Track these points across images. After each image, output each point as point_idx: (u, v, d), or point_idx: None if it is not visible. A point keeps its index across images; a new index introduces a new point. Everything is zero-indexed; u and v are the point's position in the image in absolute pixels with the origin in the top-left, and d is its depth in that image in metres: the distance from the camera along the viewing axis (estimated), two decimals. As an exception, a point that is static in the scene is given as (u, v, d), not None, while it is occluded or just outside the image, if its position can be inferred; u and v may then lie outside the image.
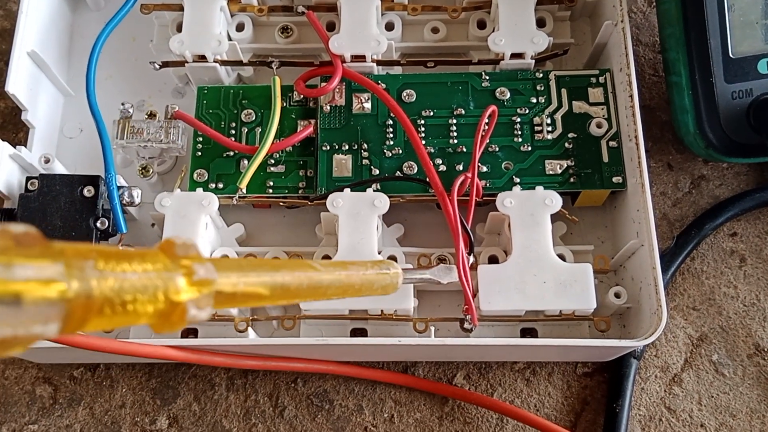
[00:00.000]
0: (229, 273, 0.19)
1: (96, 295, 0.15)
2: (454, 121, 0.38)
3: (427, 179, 0.36)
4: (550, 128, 0.38)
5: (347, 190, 0.36)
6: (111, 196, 0.36)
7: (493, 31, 0.40)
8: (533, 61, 0.39)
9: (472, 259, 0.35)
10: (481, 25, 0.41)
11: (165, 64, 0.40)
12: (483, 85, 0.39)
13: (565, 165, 0.37)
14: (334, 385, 0.38)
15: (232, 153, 0.39)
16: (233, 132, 0.39)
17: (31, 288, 0.13)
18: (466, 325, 0.34)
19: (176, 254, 0.18)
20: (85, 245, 0.16)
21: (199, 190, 0.37)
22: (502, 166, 0.38)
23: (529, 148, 0.38)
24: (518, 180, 0.37)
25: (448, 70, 0.41)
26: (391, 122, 0.38)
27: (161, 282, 0.17)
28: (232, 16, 0.41)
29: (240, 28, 0.42)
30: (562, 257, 0.35)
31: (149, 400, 0.38)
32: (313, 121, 0.39)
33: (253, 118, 0.39)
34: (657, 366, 0.38)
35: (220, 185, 0.38)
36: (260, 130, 0.39)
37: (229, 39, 0.41)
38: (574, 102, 0.39)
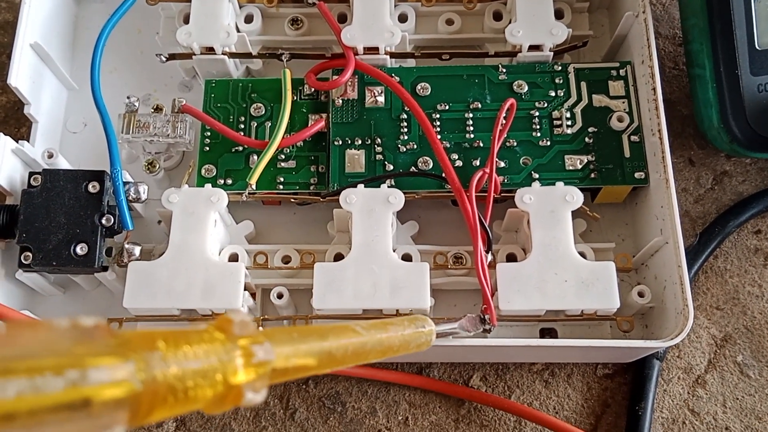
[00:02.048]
0: (282, 347, 0.18)
1: (161, 385, 0.14)
2: (471, 115, 0.37)
3: (444, 175, 0.35)
4: (569, 122, 0.37)
5: (360, 186, 0.35)
6: (117, 192, 0.35)
7: (510, 22, 0.39)
8: (551, 53, 0.38)
9: (490, 257, 0.34)
10: (497, 16, 0.40)
11: (172, 57, 0.39)
12: (500, 78, 0.38)
13: (586, 160, 0.36)
14: (347, 386, 0.37)
15: (241, 148, 0.37)
16: (242, 126, 0.38)
17: (102, 390, 0.13)
18: (485, 325, 0.33)
19: (233, 333, 0.17)
20: (148, 331, 0.15)
21: (208, 186, 0.36)
22: (521, 161, 0.36)
23: (548, 143, 0.37)
24: (537, 176, 0.36)
25: (463, 62, 0.39)
26: (405, 116, 0.37)
27: (221, 365, 0.16)
28: (240, 7, 0.40)
29: (249, 19, 0.41)
30: (582, 255, 0.34)
31: (156, 402, 0.37)
32: (324, 115, 0.38)
33: (263, 112, 0.38)
34: (680, 367, 0.37)
35: (229, 181, 0.37)
36: (270, 124, 0.38)
37: (238, 31, 0.39)
38: (594, 95, 0.37)
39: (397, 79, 0.38)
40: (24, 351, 0.12)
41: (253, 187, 0.36)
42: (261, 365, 0.17)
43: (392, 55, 0.39)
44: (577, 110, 0.37)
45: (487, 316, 0.33)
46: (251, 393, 0.17)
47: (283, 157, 0.37)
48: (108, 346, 0.13)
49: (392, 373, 0.36)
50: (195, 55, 0.38)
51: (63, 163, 0.37)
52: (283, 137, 0.36)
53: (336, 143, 0.37)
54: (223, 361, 0.16)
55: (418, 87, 0.38)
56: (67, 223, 0.34)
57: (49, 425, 0.12)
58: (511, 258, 0.36)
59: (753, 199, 0.39)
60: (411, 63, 0.40)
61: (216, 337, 0.16)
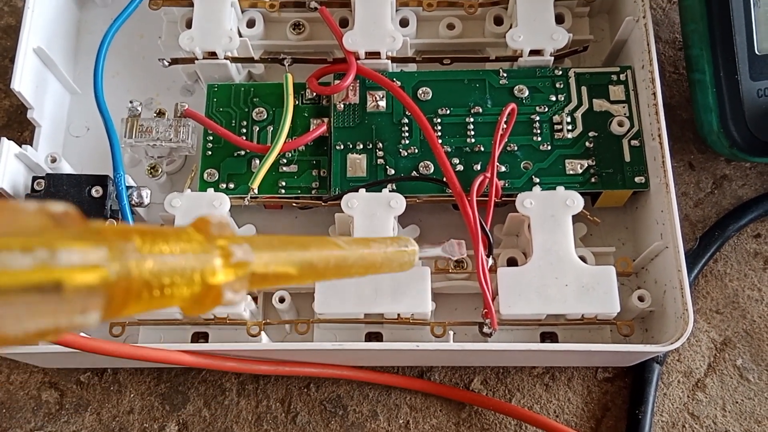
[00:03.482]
0: (262, 253, 0.18)
1: (135, 278, 0.14)
2: (472, 119, 0.37)
3: (445, 179, 0.35)
4: (570, 127, 0.37)
5: (362, 191, 0.35)
6: (120, 197, 0.35)
7: (511, 27, 0.39)
8: (552, 58, 0.38)
9: (491, 261, 0.34)
10: (498, 21, 0.40)
11: (174, 61, 0.40)
12: (501, 82, 0.38)
13: (586, 164, 0.36)
14: (348, 390, 0.37)
15: (243, 152, 0.38)
16: (244, 131, 0.38)
17: (73, 274, 0.12)
18: (486, 330, 0.33)
19: (212, 233, 0.17)
20: (123, 225, 0.15)
21: (210, 190, 0.36)
22: (521, 165, 0.37)
23: (549, 147, 0.37)
24: (538, 180, 0.36)
25: (464, 67, 0.40)
26: (406, 121, 0.37)
27: (198, 264, 0.15)
28: (242, 12, 0.40)
29: (251, 24, 0.41)
30: (583, 259, 0.34)
31: (158, 405, 0.37)
32: (326, 120, 0.38)
33: (265, 117, 0.38)
34: (680, 371, 0.37)
35: (231, 185, 0.37)
36: (272, 128, 0.38)
37: (240, 35, 0.40)
38: (594, 100, 0.38)
39: (399, 83, 0.38)
40: None
41: (255, 191, 0.36)
42: (240, 266, 0.17)
43: (394, 60, 0.39)
44: (578, 115, 0.37)
45: (487, 321, 0.33)
46: (230, 293, 0.16)
47: (284, 161, 0.37)
48: (79, 232, 0.13)
49: (393, 376, 0.37)
50: (197, 59, 0.39)
51: (66, 168, 0.38)
52: (284, 141, 0.36)
53: (337, 147, 0.37)
54: (201, 260, 0.16)
55: (420, 91, 0.38)
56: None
57: (19, 307, 0.11)
58: (511, 262, 0.36)
59: (753, 203, 0.40)
60: (412, 67, 0.40)
61: (194, 237, 0.16)
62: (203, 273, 0.16)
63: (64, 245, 0.12)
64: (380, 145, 0.37)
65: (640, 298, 0.35)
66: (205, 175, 0.37)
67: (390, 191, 0.36)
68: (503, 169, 0.36)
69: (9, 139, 0.35)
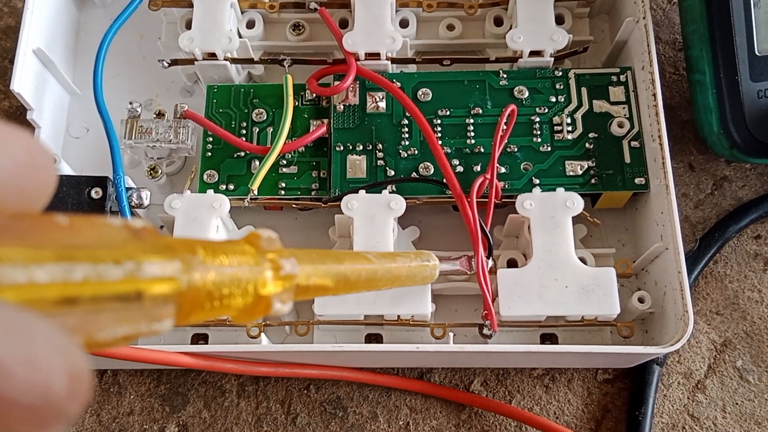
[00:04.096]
0: (304, 266, 0.19)
1: (200, 289, 0.15)
2: (472, 120, 0.37)
3: (445, 180, 0.35)
4: (570, 128, 0.37)
5: (362, 192, 0.35)
6: (119, 198, 0.35)
7: (511, 28, 0.39)
8: (552, 59, 0.38)
9: (491, 262, 0.34)
10: (498, 22, 0.40)
11: (174, 62, 0.39)
12: (501, 83, 0.38)
13: (586, 166, 0.36)
14: (348, 391, 0.37)
15: (243, 153, 0.38)
16: (244, 132, 0.38)
17: (152, 285, 0.13)
18: (486, 331, 0.33)
19: (262, 247, 0.18)
20: (188, 239, 0.16)
21: (210, 191, 0.36)
22: (521, 167, 0.37)
23: (549, 149, 0.37)
24: (537, 181, 0.36)
25: (464, 68, 0.40)
26: (406, 122, 0.37)
27: (252, 276, 0.17)
28: (242, 12, 0.40)
29: (250, 25, 0.41)
30: (583, 261, 0.34)
31: (158, 407, 0.37)
32: (326, 121, 0.38)
33: (265, 118, 0.38)
34: (680, 372, 0.37)
35: (231, 186, 0.37)
36: (272, 129, 0.38)
37: (240, 36, 0.40)
38: (594, 101, 0.38)
39: (398, 84, 0.38)
40: (86, 241, 0.13)
41: (255, 192, 0.36)
42: (288, 278, 0.18)
43: (393, 61, 0.39)
44: (578, 116, 0.37)
45: (487, 322, 0.33)
46: (279, 304, 0.17)
47: (284, 162, 0.37)
48: (155, 246, 0.14)
49: (393, 378, 0.36)
50: (197, 60, 0.39)
51: (66, 169, 0.38)
52: (284, 143, 0.36)
53: (337, 149, 0.37)
54: (254, 272, 0.17)
55: (419, 92, 0.38)
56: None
57: (104, 314, 0.13)
58: (511, 264, 0.36)
59: (753, 204, 0.39)
60: (412, 68, 0.40)
61: (247, 250, 0.17)
62: (256, 284, 0.17)
63: (146, 258, 0.13)
64: (380, 146, 0.37)
65: (640, 300, 0.35)
66: (205, 177, 0.37)
67: (390, 192, 0.36)
68: (503, 170, 0.36)
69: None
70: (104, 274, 0.12)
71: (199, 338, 0.36)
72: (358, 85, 0.38)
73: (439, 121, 0.37)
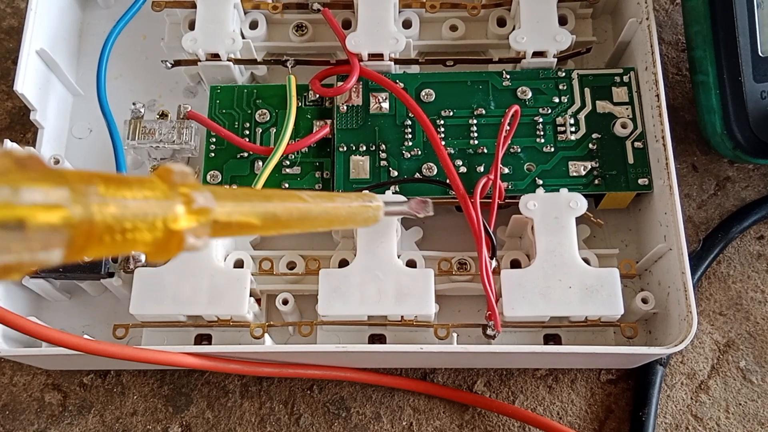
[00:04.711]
0: (225, 202, 0.19)
1: (98, 221, 0.14)
2: (475, 121, 0.37)
3: (448, 181, 0.35)
4: (573, 129, 0.37)
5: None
6: (123, 199, 0.35)
7: (514, 28, 0.39)
8: (555, 59, 0.38)
9: (494, 263, 0.34)
10: (501, 22, 0.40)
11: (177, 63, 0.40)
12: (504, 84, 0.38)
13: (590, 166, 0.36)
14: (351, 392, 0.37)
15: (246, 154, 0.38)
16: (247, 132, 0.38)
17: (36, 213, 0.13)
18: (489, 332, 0.33)
19: (174, 181, 0.17)
20: (85, 171, 0.15)
21: (213, 192, 0.36)
22: (525, 167, 0.37)
23: (552, 149, 0.37)
24: (541, 182, 0.36)
25: (467, 68, 0.40)
26: (409, 122, 0.37)
27: (160, 210, 0.16)
28: (245, 13, 0.40)
29: (254, 25, 0.41)
30: (586, 261, 0.34)
31: (161, 407, 0.37)
32: (329, 122, 0.38)
33: (268, 119, 0.38)
34: (683, 373, 0.37)
35: (234, 187, 0.37)
36: (275, 130, 0.38)
37: (243, 37, 0.40)
38: (597, 102, 0.38)
39: (402, 85, 0.38)
40: None
41: (258, 193, 0.36)
42: (202, 212, 0.17)
43: (396, 62, 0.39)
44: (581, 116, 0.37)
45: (491, 323, 0.33)
46: (192, 239, 0.17)
47: (288, 163, 0.37)
48: (42, 174, 0.13)
49: (396, 378, 0.36)
50: (200, 61, 0.39)
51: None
52: (288, 143, 0.36)
53: (341, 149, 0.37)
54: (163, 206, 0.16)
55: (423, 93, 0.38)
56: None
57: None
58: (515, 264, 0.36)
59: (756, 204, 0.39)
60: (415, 69, 0.40)
61: (157, 185, 0.17)
62: (165, 219, 0.16)
63: (26, 184, 0.13)
64: (383, 146, 0.37)
65: (644, 300, 0.35)
66: (208, 177, 0.37)
67: (393, 193, 0.36)
68: (506, 171, 0.36)
69: (12, 140, 0.35)
70: None
71: (203, 339, 0.36)
72: (361, 86, 0.38)
73: (442, 122, 0.37)
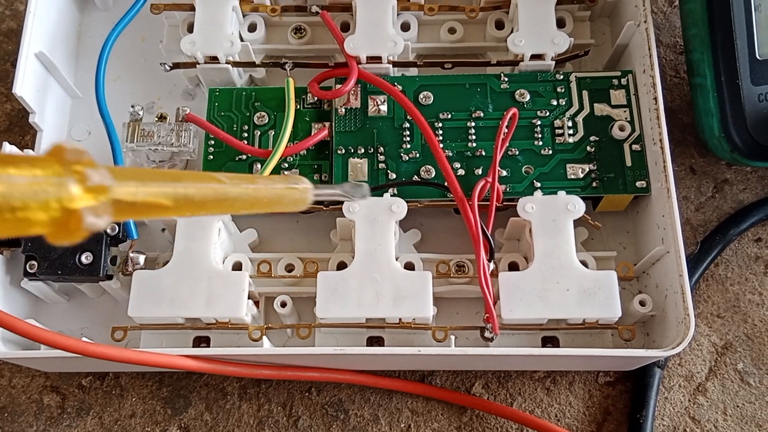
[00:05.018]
0: (127, 182, 0.18)
1: None
2: (473, 123, 0.37)
3: (446, 184, 0.35)
4: (571, 131, 0.37)
5: (364, 195, 0.35)
6: (121, 201, 0.35)
7: (512, 31, 0.39)
8: (553, 62, 0.38)
9: (492, 266, 0.34)
10: (499, 25, 0.40)
11: (175, 66, 0.40)
12: (502, 86, 0.38)
13: (587, 169, 0.37)
14: (350, 394, 0.37)
15: (244, 157, 0.38)
16: (246, 135, 0.38)
17: None
18: (487, 334, 0.33)
19: (67, 159, 0.17)
20: None
21: (212, 194, 0.36)
22: (523, 170, 0.37)
23: (550, 152, 0.37)
24: (539, 184, 0.36)
25: (465, 71, 0.40)
26: (407, 125, 0.38)
27: (53, 188, 0.16)
28: (244, 16, 0.40)
29: (252, 28, 0.41)
30: (584, 264, 0.34)
31: (160, 409, 0.37)
32: (327, 124, 0.38)
33: (266, 121, 0.38)
34: (681, 375, 0.37)
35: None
36: (273, 133, 0.38)
37: (242, 40, 0.40)
38: (595, 104, 0.38)
39: (400, 87, 0.38)
40: None
41: (257, 195, 0.36)
42: (99, 190, 0.17)
43: (395, 64, 0.39)
44: (579, 119, 0.37)
45: (489, 325, 0.33)
46: (92, 218, 0.16)
47: (286, 165, 0.37)
48: None
49: (395, 381, 0.37)
50: (199, 64, 0.39)
51: (68, 172, 0.37)
52: (286, 146, 0.36)
53: (339, 152, 0.37)
54: (54, 184, 0.16)
55: (421, 96, 0.38)
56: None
57: None
58: (513, 267, 0.36)
59: (753, 207, 0.40)
60: (413, 72, 0.40)
61: (49, 164, 0.16)
62: (60, 198, 0.16)
63: None
64: (381, 149, 0.37)
65: (642, 303, 0.35)
66: (207, 180, 0.37)
67: (391, 196, 0.36)
68: (504, 173, 0.36)
69: (10, 143, 0.35)
70: None
71: (201, 341, 0.36)
72: (359, 89, 0.38)
73: (440, 125, 0.38)
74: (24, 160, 0.16)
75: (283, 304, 0.35)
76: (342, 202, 0.35)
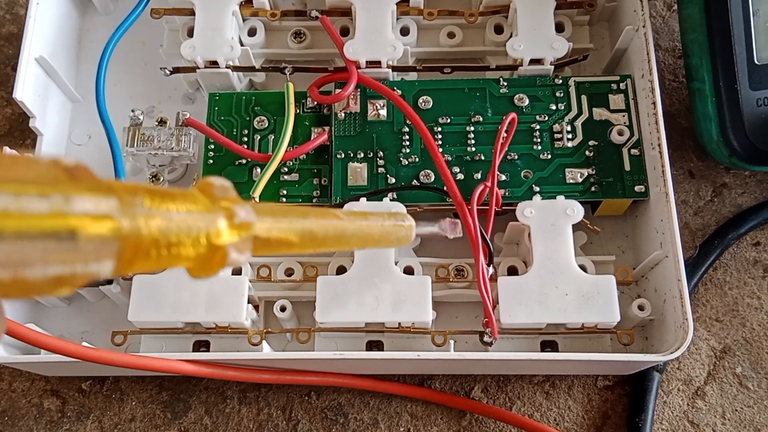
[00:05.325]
0: (264, 217, 0.18)
1: (145, 234, 0.14)
2: (472, 128, 0.38)
3: (445, 188, 0.35)
4: (570, 136, 0.37)
5: (363, 200, 0.35)
6: (121, 206, 0.35)
7: (511, 36, 0.39)
8: (552, 66, 0.38)
9: (491, 270, 0.34)
10: (498, 29, 0.41)
11: (176, 70, 0.40)
12: (501, 91, 0.38)
13: (586, 173, 0.37)
14: (349, 398, 0.37)
15: (244, 161, 0.38)
16: (245, 139, 0.38)
17: (87, 223, 0.13)
18: (486, 339, 0.33)
19: (215, 195, 0.17)
20: (130, 182, 0.15)
21: (212, 199, 0.36)
22: (522, 174, 0.37)
23: (549, 156, 0.37)
24: (538, 189, 0.36)
25: (464, 76, 0.40)
26: (407, 129, 0.38)
27: (203, 224, 0.16)
28: (244, 20, 0.41)
29: (252, 32, 0.41)
30: (583, 268, 0.35)
31: (159, 413, 0.37)
32: (327, 129, 0.38)
33: (266, 125, 0.38)
34: (679, 379, 0.37)
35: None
36: (273, 137, 0.38)
37: (241, 44, 0.40)
38: (594, 109, 0.38)
39: (399, 92, 0.38)
40: (7, 175, 0.12)
41: (257, 199, 0.36)
42: (243, 226, 0.17)
43: (394, 69, 0.39)
44: (578, 124, 0.38)
45: (488, 330, 0.33)
46: (235, 254, 0.17)
47: (286, 170, 0.37)
48: (91, 184, 0.13)
49: (394, 384, 0.37)
50: (199, 68, 0.39)
51: (68, 176, 0.38)
52: (286, 150, 0.36)
53: (338, 156, 0.37)
54: (206, 220, 0.16)
55: (420, 100, 0.38)
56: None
57: (38, 252, 0.12)
58: (512, 271, 0.36)
59: (752, 211, 0.40)
60: (413, 76, 0.40)
61: (199, 199, 0.16)
62: (209, 234, 0.16)
63: (77, 193, 0.13)
64: (381, 153, 0.37)
65: (640, 307, 0.35)
66: (207, 184, 0.37)
67: (391, 200, 0.36)
68: (503, 178, 0.37)
69: (11, 147, 0.36)
70: (28, 207, 0.12)
71: (201, 345, 0.36)
72: (359, 93, 0.38)
73: (439, 129, 0.38)
74: (179, 195, 0.16)
75: (283, 309, 0.35)
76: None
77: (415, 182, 0.37)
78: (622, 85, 0.38)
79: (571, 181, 0.37)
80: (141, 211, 0.14)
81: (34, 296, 0.28)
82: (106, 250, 0.13)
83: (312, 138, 0.38)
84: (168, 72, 0.40)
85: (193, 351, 0.36)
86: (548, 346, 0.36)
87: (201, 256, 0.16)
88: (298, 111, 0.38)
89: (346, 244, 0.24)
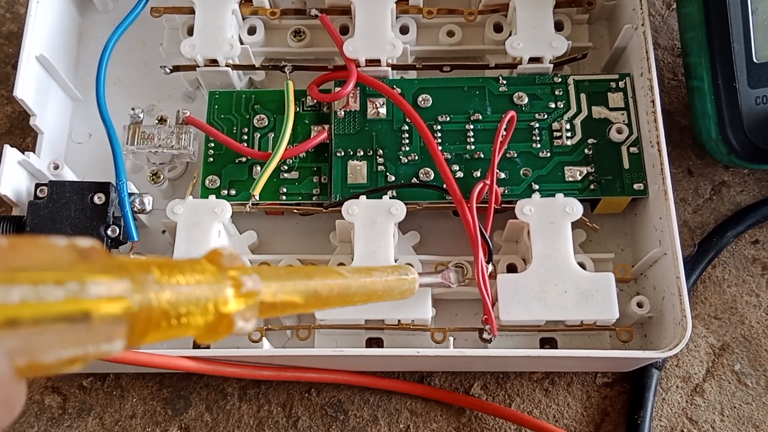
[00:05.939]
0: (270, 282, 0.19)
1: (155, 308, 0.15)
2: (471, 126, 0.38)
3: (445, 186, 0.35)
4: (569, 134, 0.37)
5: (363, 198, 0.36)
6: (122, 204, 0.35)
7: (510, 34, 0.39)
8: (551, 65, 0.39)
9: (490, 267, 0.34)
10: (498, 28, 0.41)
11: (175, 69, 0.40)
12: (500, 89, 0.38)
13: (585, 171, 0.37)
14: (349, 395, 0.37)
15: (244, 159, 0.38)
16: (245, 137, 0.38)
17: (100, 305, 0.13)
18: (486, 336, 0.33)
19: (224, 265, 0.18)
20: (141, 258, 0.16)
21: (212, 197, 0.36)
22: (521, 172, 0.37)
23: (548, 154, 0.37)
24: (537, 187, 0.36)
25: (464, 74, 0.40)
26: (406, 128, 0.38)
27: (212, 293, 0.17)
28: (243, 19, 0.41)
29: (252, 31, 0.41)
30: (582, 266, 0.35)
31: (160, 410, 0.37)
32: (327, 127, 0.38)
33: (266, 124, 0.38)
34: (678, 376, 0.37)
35: (233, 192, 0.37)
36: (273, 135, 0.38)
37: (241, 43, 0.40)
38: (593, 107, 0.38)
39: (399, 90, 0.38)
40: (25, 263, 0.13)
41: (257, 197, 0.36)
42: (250, 295, 0.18)
43: (394, 67, 0.39)
44: (577, 122, 0.38)
45: (487, 327, 0.33)
46: (241, 322, 0.17)
47: (285, 168, 0.38)
48: (104, 266, 0.14)
49: (394, 381, 0.37)
50: (198, 66, 0.39)
51: (68, 174, 0.38)
52: (285, 148, 0.37)
53: (338, 154, 0.37)
54: (214, 290, 0.17)
55: (420, 98, 0.38)
56: (73, 234, 0.34)
57: (51, 335, 0.12)
58: (511, 268, 0.36)
59: (751, 209, 0.40)
60: (412, 75, 0.40)
61: (207, 268, 0.17)
62: (216, 302, 0.17)
63: (91, 278, 0.13)
64: (380, 151, 0.37)
65: (639, 305, 0.35)
66: (207, 182, 0.37)
67: (390, 198, 0.36)
68: (503, 175, 0.37)
69: (11, 146, 0.36)
70: (45, 296, 0.12)
71: (201, 342, 0.36)
72: (358, 91, 0.39)
73: (439, 127, 0.38)
74: (188, 266, 0.16)
75: (283, 306, 0.35)
76: (331, 208, 0.35)
77: (414, 180, 0.37)
78: (621, 84, 0.38)
79: (570, 179, 0.37)
80: (152, 288, 0.15)
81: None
82: (118, 328, 0.14)
83: (312, 136, 0.38)
84: (168, 70, 0.40)
85: (194, 348, 0.36)
86: (547, 343, 0.36)
87: (209, 324, 0.17)
88: (297, 109, 0.39)
89: (350, 301, 0.24)
